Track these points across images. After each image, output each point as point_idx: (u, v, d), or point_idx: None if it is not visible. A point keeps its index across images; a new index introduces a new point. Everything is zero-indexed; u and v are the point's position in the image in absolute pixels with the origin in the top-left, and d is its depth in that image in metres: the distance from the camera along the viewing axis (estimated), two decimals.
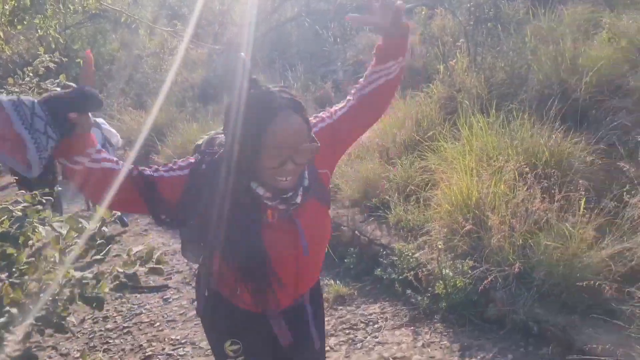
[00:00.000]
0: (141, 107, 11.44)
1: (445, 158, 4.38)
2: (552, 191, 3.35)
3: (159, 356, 3.64)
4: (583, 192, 3.23)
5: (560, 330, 2.94)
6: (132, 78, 13.88)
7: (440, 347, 3.20)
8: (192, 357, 3.62)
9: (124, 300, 4.58)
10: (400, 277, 3.76)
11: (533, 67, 5.10)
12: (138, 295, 4.66)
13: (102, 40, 17.40)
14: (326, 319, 3.80)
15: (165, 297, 4.60)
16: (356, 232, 4.47)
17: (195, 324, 4.04)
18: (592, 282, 2.84)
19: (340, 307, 3.89)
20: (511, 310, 3.16)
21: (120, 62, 15.67)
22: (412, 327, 3.45)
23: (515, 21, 6.36)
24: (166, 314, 4.28)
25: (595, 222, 3.15)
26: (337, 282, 4.14)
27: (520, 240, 3.23)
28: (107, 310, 4.42)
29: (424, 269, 3.65)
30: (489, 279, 3.16)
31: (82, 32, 17.62)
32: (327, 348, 3.44)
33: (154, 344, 3.81)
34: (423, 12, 7.75)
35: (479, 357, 3.02)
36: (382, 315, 3.67)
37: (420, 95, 6.01)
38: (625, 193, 3.15)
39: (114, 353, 3.75)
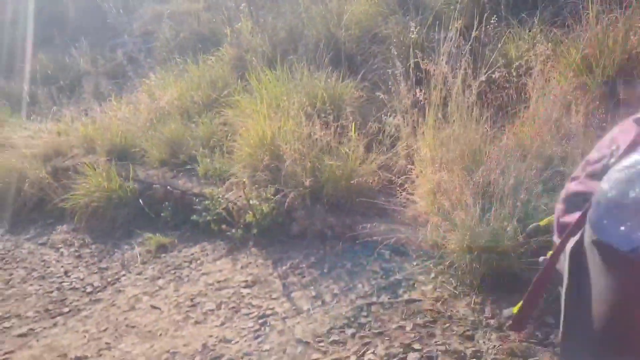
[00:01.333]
0: None
1: (242, 110, 4.85)
2: (330, 122, 4.03)
3: None
4: (351, 119, 3.95)
5: (348, 229, 3.64)
6: None
7: (257, 266, 3.70)
8: (19, 327, 3.63)
9: None
10: (215, 217, 4.16)
11: (307, 24, 5.79)
12: None
13: None
14: (151, 266, 4.08)
15: None
16: (168, 187, 4.74)
17: (16, 299, 4.00)
18: (365, 184, 3.57)
19: (164, 255, 4.18)
20: (310, 223, 3.79)
21: None
22: (230, 256, 3.90)
23: None
24: None
25: (363, 142, 3.90)
26: (157, 234, 4.39)
27: (310, 164, 3.85)
28: None
29: (234, 206, 4.11)
30: (289, 199, 3.74)
31: None
32: (156, 288, 3.75)
33: None
34: None
35: (288, 264, 3.59)
36: (202, 253, 4.06)
37: (211, 59, 6.39)
38: (382, 115, 3.95)
39: None
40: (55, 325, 3.61)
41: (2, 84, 8.02)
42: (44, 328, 3.59)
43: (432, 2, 5.20)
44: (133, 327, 3.36)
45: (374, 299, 3.06)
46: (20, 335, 3.55)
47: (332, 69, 4.81)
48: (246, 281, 3.54)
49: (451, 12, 4.90)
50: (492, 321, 2.71)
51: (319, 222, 3.77)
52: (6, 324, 3.71)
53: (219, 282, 3.61)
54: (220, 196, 4.22)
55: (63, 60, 8.20)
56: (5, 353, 3.36)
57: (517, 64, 3.66)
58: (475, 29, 4.13)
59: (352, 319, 2.94)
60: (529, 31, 4.49)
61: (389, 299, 3.03)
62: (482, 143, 3.31)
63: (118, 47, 8.02)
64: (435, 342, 2.65)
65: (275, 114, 4.36)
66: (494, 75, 3.61)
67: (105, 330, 3.40)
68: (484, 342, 2.58)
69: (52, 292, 4.06)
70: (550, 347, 2.49)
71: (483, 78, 3.67)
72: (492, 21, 4.31)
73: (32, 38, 8.72)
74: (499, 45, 4.33)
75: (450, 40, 4.07)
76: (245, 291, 3.44)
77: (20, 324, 3.69)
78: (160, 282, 3.81)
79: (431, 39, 4.69)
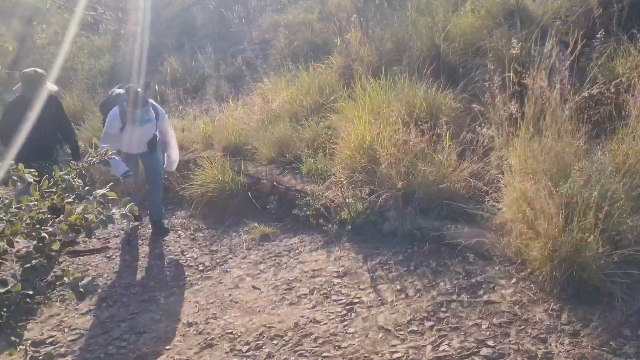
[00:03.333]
0: None
1: (345, 115, 5.20)
2: (425, 130, 4.25)
3: (114, 296, 4.21)
4: (446, 128, 4.15)
5: (436, 232, 3.84)
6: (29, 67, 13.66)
7: (349, 259, 4.02)
8: (142, 293, 4.22)
9: (67, 263, 5.02)
10: (314, 212, 4.54)
11: (413, 36, 6.02)
12: (81, 258, 5.13)
13: None
14: (255, 252, 4.53)
15: (107, 255, 5.11)
16: (274, 183, 5.20)
17: (140, 271, 4.63)
18: (455, 190, 3.76)
19: (266, 243, 4.62)
20: (400, 223, 4.04)
21: (18, 53, 15.30)
22: (326, 249, 4.25)
23: None
24: (112, 267, 4.81)
25: (457, 150, 4.09)
26: (262, 224, 4.85)
27: (404, 168, 4.10)
28: (54, 272, 4.85)
29: (332, 203, 4.47)
30: (382, 199, 4.02)
31: None
32: (257, 271, 4.19)
33: (106, 289, 4.36)
34: None
35: (377, 260, 3.87)
36: (301, 244, 4.45)
37: (321, 66, 6.81)
38: (477, 126, 4.10)
39: (70, 300, 4.23)
40: (172, 294, 4.16)
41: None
42: (163, 296, 4.16)
43: (539, 16, 5.24)
44: (236, 302, 3.81)
45: (454, 297, 3.26)
46: (143, 301, 4.14)
47: (432, 80, 5.02)
48: (338, 272, 3.87)
49: (559, 27, 4.93)
50: (567, 327, 2.81)
51: (409, 223, 4.00)
52: (133, 290, 4.32)
53: (313, 270, 3.97)
54: (320, 193, 4.60)
55: (190, 65, 9.08)
56: (131, 314, 3.95)
57: (616, 80, 3.66)
58: (581, 44, 4.16)
59: (432, 313, 3.17)
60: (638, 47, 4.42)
61: (468, 298, 3.21)
62: (573, 157, 3.38)
63: (238, 53, 8.72)
64: (509, 341, 2.81)
65: (375, 120, 4.66)
66: (593, 92, 3.65)
67: (212, 302, 3.88)
68: (556, 346, 2.70)
69: (170, 267, 4.65)
70: (623, 358, 2.56)
71: (585, 94, 3.73)
72: (599, 36, 4.30)
73: (165, 44, 9.72)
74: (604, 61, 4.31)
75: (554, 55, 4.13)
76: (336, 280, 3.77)
77: (143, 291, 4.29)
78: (262, 266, 4.25)
79: (533, 53, 4.74)
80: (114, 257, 5.06)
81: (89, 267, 4.85)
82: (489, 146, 4.08)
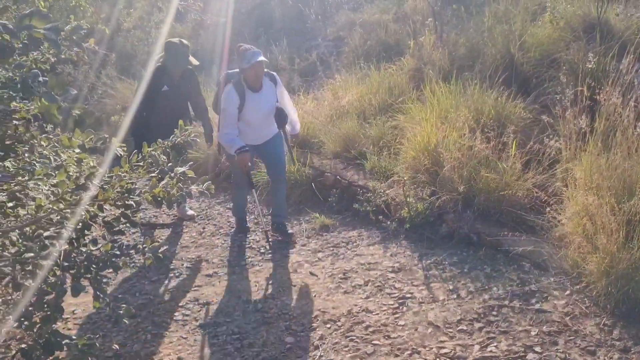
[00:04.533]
0: (132, 77, 12.06)
1: (412, 117, 5.30)
2: (491, 138, 4.31)
3: (180, 268, 4.52)
4: (512, 136, 4.19)
5: (493, 238, 3.91)
6: (117, 49, 14.40)
7: (404, 256, 4.14)
8: (207, 269, 4.51)
9: (138, 235, 5.39)
10: (374, 208, 4.68)
11: (488, 43, 6.03)
12: (153, 231, 5.50)
13: (82, 14, 17.85)
14: (314, 240, 4.73)
15: (176, 231, 5.45)
16: (337, 176, 5.38)
17: (206, 248, 4.92)
18: (516, 199, 3.81)
19: (325, 233, 4.81)
20: (458, 226, 4.12)
21: (103, 35, 16.19)
22: (383, 244, 4.39)
23: (478, 3, 7.28)
24: (179, 242, 5.14)
25: (522, 160, 4.13)
26: (322, 216, 5.04)
27: (466, 173, 4.18)
28: (128, 241, 5.24)
29: (392, 201, 4.60)
30: (441, 200, 4.11)
31: (60, 4, 18.02)
32: (316, 259, 4.38)
33: (174, 262, 4.67)
34: None
35: (432, 259, 3.98)
36: (359, 237, 4.61)
37: (392, 67, 6.93)
38: (545, 138, 4.12)
39: (141, 269, 4.57)
40: (233, 272, 4.42)
41: (215, 74, 9.43)
42: (225, 273, 4.42)
43: (621, 31, 5.15)
44: (294, 285, 4.02)
45: (506, 302, 3.33)
46: (207, 275, 4.41)
47: (504, 89, 5.04)
48: (393, 267, 4.01)
49: None
50: (618, 343, 2.84)
51: (467, 227, 4.08)
52: (198, 265, 4.62)
53: (369, 263, 4.13)
54: (382, 191, 4.74)
55: (265, 56, 9.40)
56: (196, 286, 4.24)
57: None
58: None
59: (482, 315, 3.25)
60: None
61: (520, 305, 3.28)
62: None
63: (312, 49, 8.96)
64: (557, 349, 2.87)
65: (442, 123, 4.74)
66: None
67: (271, 284, 4.11)
68: (604, 359, 2.74)
69: (233, 247, 4.92)
70: None
71: None
72: None
73: (243, 35, 10.07)
74: None
75: (632, 72, 4.09)
76: (390, 275, 3.91)
77: (207, 267, 4.57)
78: (320, 255, 4.44)
79: (608, 69, 4.68)
80: (182, 233, 5.39)
81: (159, 240, 5.20)
82: (555, 158, 4.10)
